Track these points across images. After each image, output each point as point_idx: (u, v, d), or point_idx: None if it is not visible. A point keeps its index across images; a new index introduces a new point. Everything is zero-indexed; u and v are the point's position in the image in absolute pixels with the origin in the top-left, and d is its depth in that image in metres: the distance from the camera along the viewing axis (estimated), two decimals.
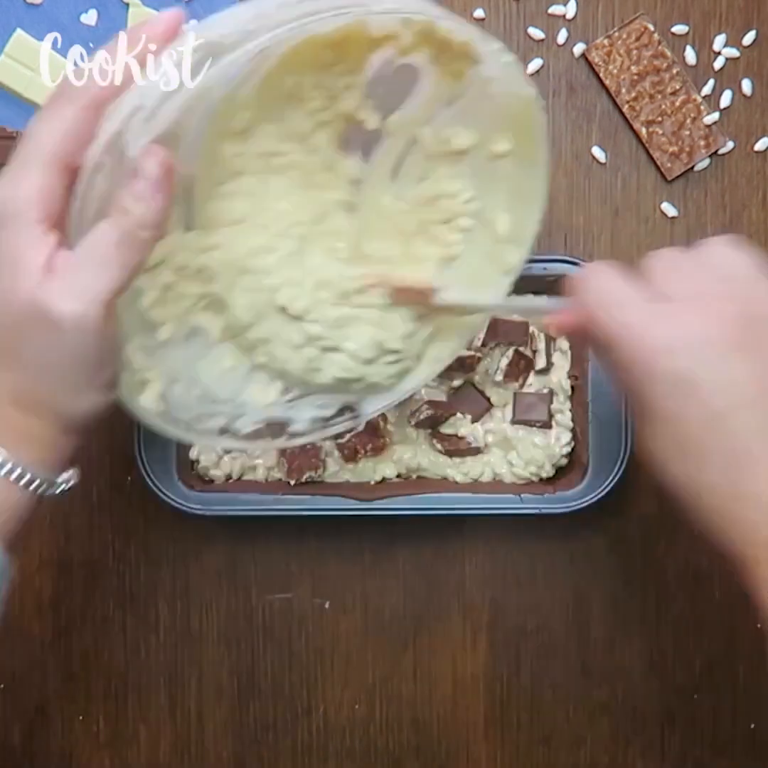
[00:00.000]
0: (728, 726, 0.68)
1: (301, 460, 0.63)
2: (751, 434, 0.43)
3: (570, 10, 0.67)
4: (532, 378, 0.65)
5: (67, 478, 0.49)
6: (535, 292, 0.64)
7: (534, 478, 0.64)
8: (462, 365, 0.64)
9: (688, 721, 0.68)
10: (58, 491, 0.49)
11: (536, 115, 0.49)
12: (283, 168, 0.50)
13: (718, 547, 0.44)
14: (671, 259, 0.46)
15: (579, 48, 0.67)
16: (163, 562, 0.68)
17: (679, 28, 0.67)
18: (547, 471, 0.64)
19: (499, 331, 0.64)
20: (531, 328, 0.64)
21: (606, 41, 0.66)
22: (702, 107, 0.66)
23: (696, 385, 0.43)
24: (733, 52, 0.67)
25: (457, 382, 0.65)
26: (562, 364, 0.65)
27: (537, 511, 0.62)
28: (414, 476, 0.65)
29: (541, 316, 0.52)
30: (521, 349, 0.64)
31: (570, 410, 0.64)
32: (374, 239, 0.53)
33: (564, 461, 0.64)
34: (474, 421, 0.65)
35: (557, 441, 0.64)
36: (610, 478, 0.62)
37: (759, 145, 0.67)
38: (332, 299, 0.51)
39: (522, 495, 0.62)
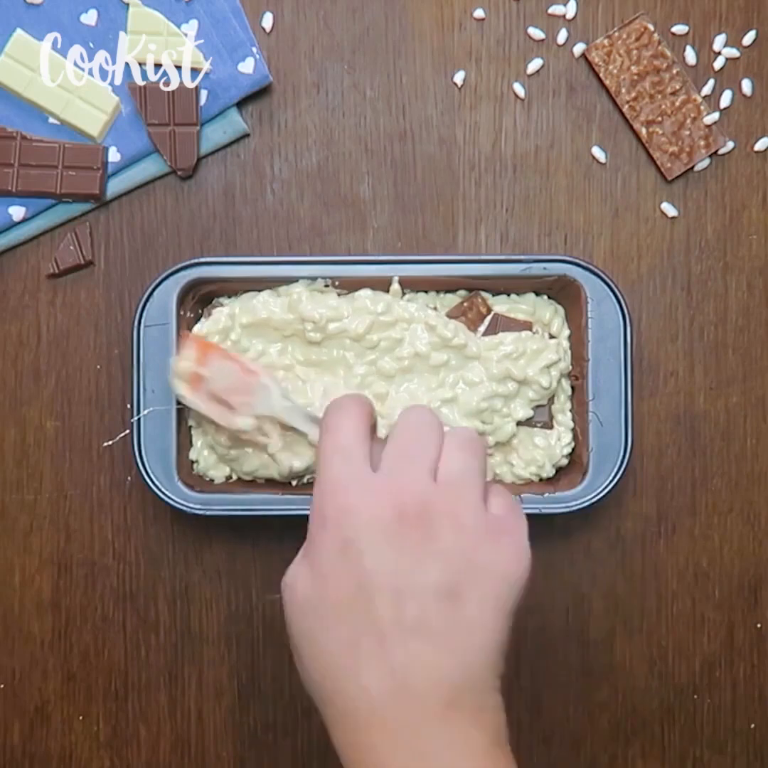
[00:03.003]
0: (728, 725, 0.68)
1: None
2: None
3: (570, 10, 0.67)
4: None
5: None
6: (536, 292, 0.64)
7: (534, 479, 0.64)
8: None
9: (687, 720, 0.68)
10: None
11: None
12: None
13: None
14: (413, 427, 0.48)
15: (579, 48, 0.67)
16: (163, 562, 0.68)
17: (679, 28, 0.67)
18: (548, 471, 0.64)
19: (499, 329, 0.64)
20: (534, 327, 0.64)
21: (606, 41, 0.66)
22: (702, 107, 0.66)
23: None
24: (733, 52, 0.67)
25: None
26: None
27: (537, 511, 0.62)
28: None
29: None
30: None
31: (570, 410, 0.64)
32: None
33: (564, 461, 0.64)
34: None
35: (558, 441, 0.64)
36: (610, 478, 0.62)
37: (759, 145, 0.67)
38: None
39: (522, 495, 0.62)
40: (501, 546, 0.46)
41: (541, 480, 0.64)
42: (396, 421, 0.49)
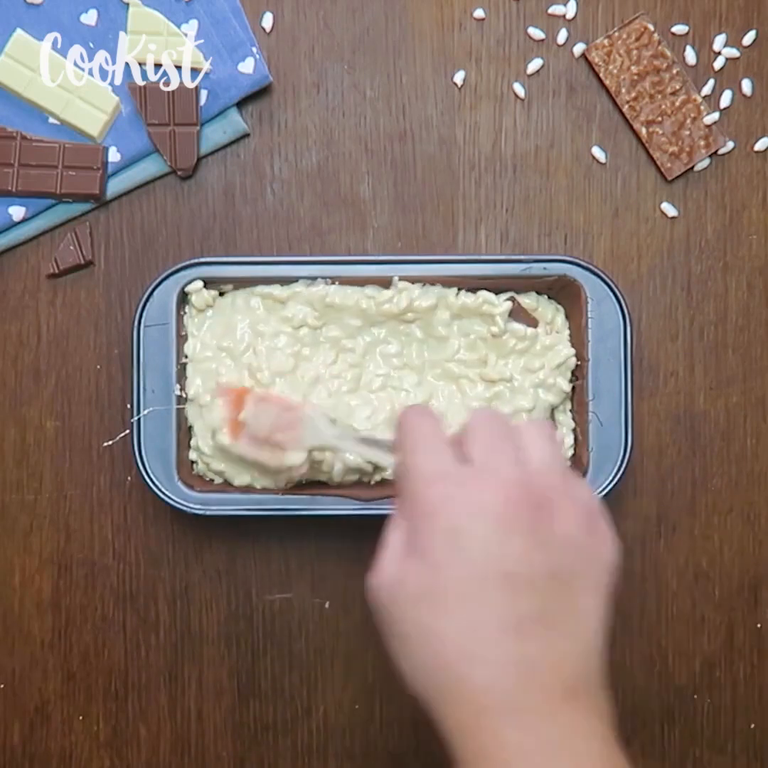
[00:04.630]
0: (728, 725, 0.68)
1: None
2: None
3: (570, 10, 0.67)
4: None
5: None
6: (537, 292, 0.64)
7: None
8: None
9: (687, 720, 0.68)
10: None
11: None
12: None
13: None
14: (488, 424, 0.47)
15: (579, 48, 0.67)
16: (163, 562, 0.68)
17: (679, 28, 0.67)
18: None
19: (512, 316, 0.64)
20: (540, 325, 0.64)
21: (606, 41, 0.66)
22: (702, 107, 0.66)
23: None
24: (733, 52, 0.67)
25: None
26: None
27: None
28: None
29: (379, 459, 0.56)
30: None
31: (570, 410, 0.64)
32: None
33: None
34: None
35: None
36: (610, 478, 0.62)
37: (759, 145, 0.67)
38: None
39: None
40: (598, 532, 0.46)
41: None
42: (467, 421, 0.48)
